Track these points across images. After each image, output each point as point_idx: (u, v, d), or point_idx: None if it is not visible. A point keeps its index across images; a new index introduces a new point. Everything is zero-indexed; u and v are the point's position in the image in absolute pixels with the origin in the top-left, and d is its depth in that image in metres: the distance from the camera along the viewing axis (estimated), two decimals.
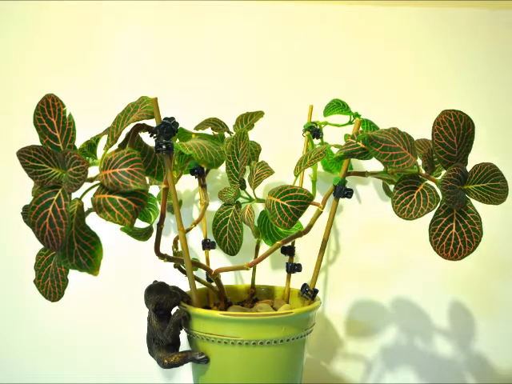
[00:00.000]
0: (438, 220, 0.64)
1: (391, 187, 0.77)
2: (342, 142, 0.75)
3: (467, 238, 0.63)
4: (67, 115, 0.58)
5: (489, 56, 1.00)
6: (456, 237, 0.63)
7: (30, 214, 0.55)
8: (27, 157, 0.57)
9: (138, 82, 0.99)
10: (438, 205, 0.64)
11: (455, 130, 0.63)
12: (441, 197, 0.63)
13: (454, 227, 0.64)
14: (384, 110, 0.96)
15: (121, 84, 0.99)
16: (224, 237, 0.78)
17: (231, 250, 0.78)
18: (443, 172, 0.64)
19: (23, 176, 0.58)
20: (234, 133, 0.84)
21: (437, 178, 0.65)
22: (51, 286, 0.61)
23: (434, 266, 0.98)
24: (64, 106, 0.58)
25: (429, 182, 0.65)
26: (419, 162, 0.66)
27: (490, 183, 0.65)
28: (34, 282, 0.62)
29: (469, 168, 0.65)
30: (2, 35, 0.99)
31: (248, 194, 0.78)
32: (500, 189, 0.66)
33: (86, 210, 0.58)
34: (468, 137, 0.64)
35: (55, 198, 0.55)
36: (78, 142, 0.61)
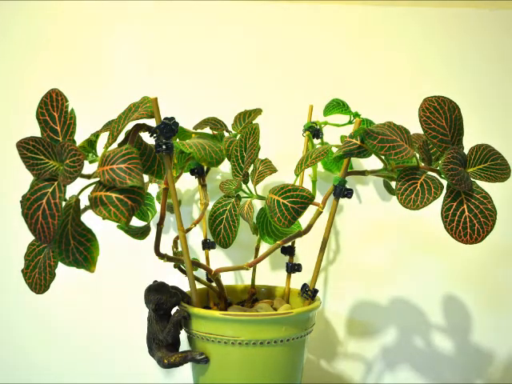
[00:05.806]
0: (448, 206, 0.63)
1: (392, 184, 0.77)
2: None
3: (482, 218, 0.62)
4: (69, 110, 0.59)
5: (489, 56, 1.00)
6: (471, 219, 0.62)
7: (25, 205, 0.55)
8: (26, 148, 0.57)
9: (138, 82, 0.99)
10: (444, 191, 0.63)
11: (441, 114, 0.63)
12: (445, 184, 0.63)
13: (466, 210, 0.62)
14: (384, 110, 0.96)
15: (120, 84, 0.99)
16: (219, 228, 0.77)
17: (224, 242, 0.77)
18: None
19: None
20: (233, 132, 0.84)
21: (437, 168, 0.65)
22: (38, 277, 0.60)
23: (434, 266, 0.98)
24: (67, 101, 0.59)
25: (429, 172, 0.65)
26: (417, 156, 0.66)
27: (490, 163, 0.65)
28: (22, 271, 0.62)
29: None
30: (5, 34, 0.99)
31: (249, 190, 0.78)
32: (502, 166, 0.65)
33: (83, 207, 0.58)
34: (456, 119, 0.64)
35: (50, 190, 0.55)
36: (77, 143, 0.61)
